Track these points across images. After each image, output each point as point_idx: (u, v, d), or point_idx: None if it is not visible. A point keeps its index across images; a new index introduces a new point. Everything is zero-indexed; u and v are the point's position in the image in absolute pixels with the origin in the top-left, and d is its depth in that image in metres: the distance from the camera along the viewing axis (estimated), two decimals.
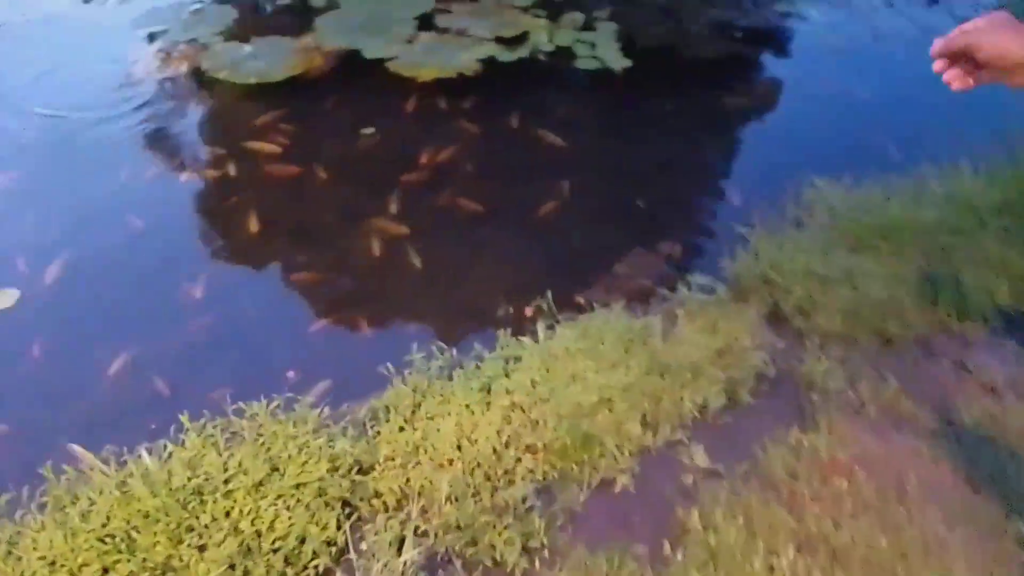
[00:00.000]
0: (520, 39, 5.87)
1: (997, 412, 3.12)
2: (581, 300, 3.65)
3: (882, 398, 3.19)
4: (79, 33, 5.91)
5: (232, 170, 4.58)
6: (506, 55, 5.68)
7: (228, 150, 4.73)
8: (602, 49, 5.82)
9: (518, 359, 3.26)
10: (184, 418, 2.86)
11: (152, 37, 5.76)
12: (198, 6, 6.19)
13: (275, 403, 2.95)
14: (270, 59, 5.50)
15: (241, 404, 2.93)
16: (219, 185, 4.52)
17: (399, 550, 2.58)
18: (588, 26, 6.09)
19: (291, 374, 3.39)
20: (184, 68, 5.46)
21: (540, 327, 3.40)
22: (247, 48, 5.60)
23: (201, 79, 5.35)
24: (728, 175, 4.81)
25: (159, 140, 4.80)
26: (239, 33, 5.83)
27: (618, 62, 5.69)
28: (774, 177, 4.53)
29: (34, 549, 2.48)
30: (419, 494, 2.73)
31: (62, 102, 5.05)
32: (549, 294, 3.59)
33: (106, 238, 4.09)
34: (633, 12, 6.39)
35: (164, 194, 4.45)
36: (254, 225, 4.16)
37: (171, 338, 3.57)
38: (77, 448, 2.80)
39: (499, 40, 5.84)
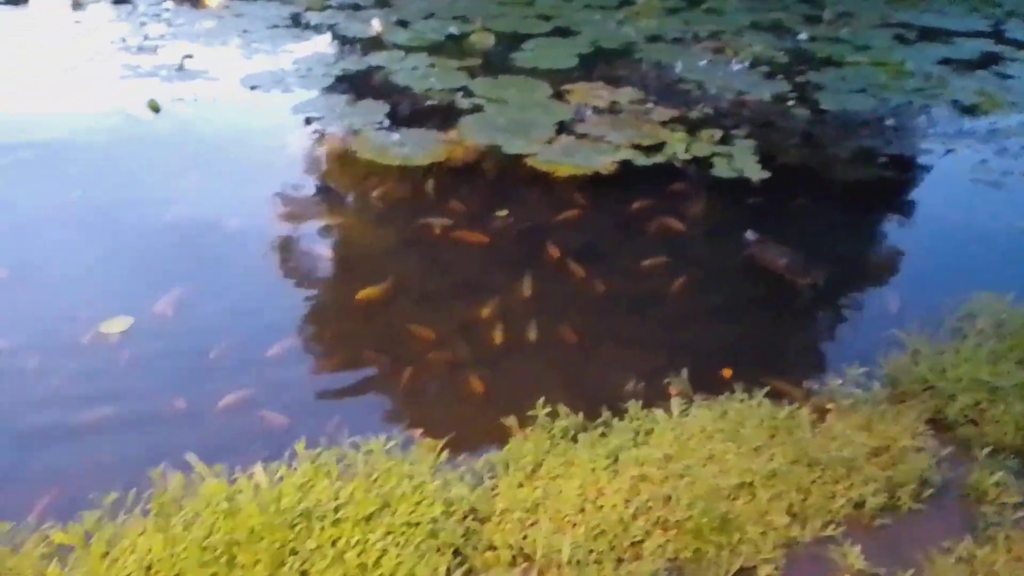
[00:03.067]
0: (657, 148, 5.91)
1: None
2: (719, 382, 3.40)
3: None
4: (242, 113, 6.36)
5: (367, 236, 4.67)
6: (642, 159, 5.70)
7: (364, 216, 4.87)
8: (739, 161, 5.77)
9: (649, 432, 3.03)
10: (299, 445, 2.75)
11: (308, 121, 6.12)
12: (353, 98, 6.57)
13: (392, 442, 2.80)
14: (414, 147, 5.71)
15: (357, 439, 2.81)
16: (352, 246, 4.61)
17: None
18: (725, 141, 6.09)
19: (419, 432, 3.24)
20: (334, 148, 5.73)
21: (675, 404, 3.16)
22: (395, 136, 5.86)
23: (347, 159, 5.59)
24: (880, 281, 4.53)
25: (302, 203, 4.99)
26: (388, 124, 6.12)
27: (756, 173, 5.61)
28: (930, 289, 4.26)
29: (131, 552, 2.37)
30: (538, 554, 2.48)
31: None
32: (684, 372, 3.37)
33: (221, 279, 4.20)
34: (772, 134, 6.36)
35: (297, 243, 4.57)
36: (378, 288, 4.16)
37: (291, 377, 3.53)
38: (192, 457, 2.70)
39: (635, 147, 5.89)
